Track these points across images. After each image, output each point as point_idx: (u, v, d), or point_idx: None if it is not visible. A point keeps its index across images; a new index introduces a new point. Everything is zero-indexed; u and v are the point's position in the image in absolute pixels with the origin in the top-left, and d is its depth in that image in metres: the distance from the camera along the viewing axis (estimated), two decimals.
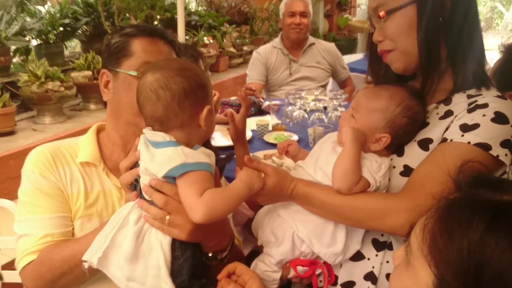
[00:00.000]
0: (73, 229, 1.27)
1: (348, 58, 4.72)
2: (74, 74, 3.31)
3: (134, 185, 1.11)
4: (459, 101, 1.18)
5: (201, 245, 1.11)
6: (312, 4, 3.64)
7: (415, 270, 0.70)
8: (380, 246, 1.19)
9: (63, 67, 3.49)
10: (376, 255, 1.19)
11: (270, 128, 2.56)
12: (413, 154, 1.17)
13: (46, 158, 1.27)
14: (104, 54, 1.32)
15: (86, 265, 1.05)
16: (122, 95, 1.28)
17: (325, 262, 1.20)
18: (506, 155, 1.07)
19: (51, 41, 3.63)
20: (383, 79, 1.32)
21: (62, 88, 3.06)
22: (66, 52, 4.24)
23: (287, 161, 2.10)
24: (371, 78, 1.36)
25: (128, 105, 1.26)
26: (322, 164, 1.18)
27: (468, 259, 0.62)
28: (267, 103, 2.96)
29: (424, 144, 1.17)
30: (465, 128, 1.10)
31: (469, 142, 1.08)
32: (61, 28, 3.73)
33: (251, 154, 2.19)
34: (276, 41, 3.60)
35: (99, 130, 1.39)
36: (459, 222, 0.65)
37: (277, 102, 2.92)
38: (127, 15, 3.80)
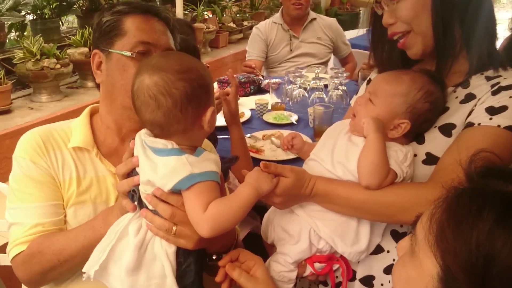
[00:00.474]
0: (65, 216, 1.24)
1: (350, 34, 4.63)
2: (70, 51, 3.24)
3: (132, 194, 1.05)
4: (479, 83, 1.13)
5: (205, 248, 1.08)
6: None
7: (420, 260, 0.68)
8: (400, 237, 1.14)
9: (60, 43, 3.42)
10: (396, 247, 1.17)
11: (269, 107, 2.51)
12: (435, 141, 1.13)
13: (37, 143, 1.23)
14: (95, 33, 1.26)
15: (85, 277, 1.03)
16: (116, 77, 1.22)
17: (341, 256, 1.16)
18: None
19: (46, 16, 3.55)
20: (387, 63, 1.27)
21: (58, 66, 2.99)
22: (63, 28, 4.15)
23: None
24: (374, 62, 1.31)
25: (123, 88, 1.21)
26: (341, 158, 1.12)
27: (476, 251, 0.60)
28: (266, 81, 2.90)
29: (447, 129, 1.13)
30: (492, 111, 1.06)
31: (499, 126, 1.04)
32: (57, 3, 3.64)
33: (250, 134, 2.16)
34: (277, 16, 3.52)
35: (92, 113, 1.34)
36: (468, 213, 0.62)
37: (277, 80, 2.86)
38: None
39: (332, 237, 1.11)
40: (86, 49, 3.26)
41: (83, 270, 1.03)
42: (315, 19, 3.48)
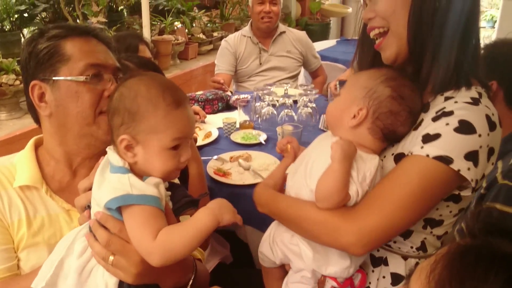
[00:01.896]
0: (18, 261, 1.15)
1: (320, 46, 4.63)
2: None
3: (86, 208, 1.02)
4: (434, 106, 1.09)
5: (158, 284, 1.00)
6: None
7: None
8: (376, 261, 1.16)
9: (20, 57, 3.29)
10: (373, 271, 1.16)
11: (237, 125, 2.45)
12: (387, 168, 1.11)
13: None
14: (29, 63, 1.15)
15: None
16: (69, 105, 1.13)
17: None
18: (469, 169, 0.98)
19: (6, 29, 3.41)
20: (370, 67, 1.22)
21: (18, 82, 2.86)
22: (27, 37, 4.01)
23: (254, 164, 2.02)
24: (357, 66, 1.27)
25: (79, 115, 1.13)
26: (308, 171, 1.13)
27: None
28: (235, 97, 2.84)
29: (398, 159, 1.10)
30: (426, 138, 1.02)
31: (427, 155, 1.00)
32: (18, 15, 3.51)
33: (217, 156, 2.09)
34: (246, 29, 3.47)
35: (37, 145, 1.24)
36: (473, 274, 0.58)
37: (245, 96, 2.81)
38: (88, 1, 3.59)
39: (316, 260, 1.11)
40: None
41: (31, 286, 0.97)
42: (284, 32, 3.44)
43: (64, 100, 1.14)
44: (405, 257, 1.14)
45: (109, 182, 0.93)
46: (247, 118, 2.51)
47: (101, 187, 0.94)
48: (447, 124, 1.01)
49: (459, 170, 0.98)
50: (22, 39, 3.73)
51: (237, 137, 2.32)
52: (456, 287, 0.58)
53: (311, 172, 1.11)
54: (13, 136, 2.70)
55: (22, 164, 1.19)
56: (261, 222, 1.84)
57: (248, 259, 1.88)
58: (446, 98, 1.07)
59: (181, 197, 1.08)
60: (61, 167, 1.20)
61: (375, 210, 1.02)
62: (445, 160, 0.98)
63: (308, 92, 2.48)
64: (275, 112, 2.47)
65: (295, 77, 3.51)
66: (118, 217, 0.93)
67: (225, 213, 0.94)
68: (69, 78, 1.13)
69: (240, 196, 1.85)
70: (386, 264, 1.16)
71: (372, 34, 1.15)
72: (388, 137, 1.12)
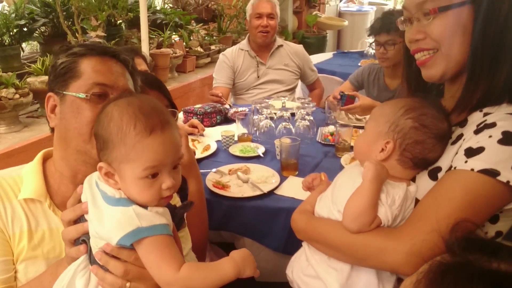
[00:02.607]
0: (16, 272, 1.16)
1: (317, 58, 4.68)
2: (30, 79, 3.13)
3: (80, 243, 0.99)
4: (473, 121, 1.07)
5: None
6: (280, 1, 3.55)
7: None
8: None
9: (20, 71, 3.31)
10: None
11: (236, 138, 2.47)
12: (422, 184, 1.11)
13: None
14: (50, 76, 1.20)
15: None
16: (69, 120, 1.16)
17: None
18: None
19: (6, 43, 3.44)
20: (414, 80, 1.24)
21: (17, 96, 2.88)
22: (27, 50, 4.04)
23: (253, 177, 2.04)
24: (406, 84, 1.28)
25: (76, 131, 1.15)
26: (336, 196, 1.16)
27: None
28: (233, 110, 2.87)
29: (433, 173, 1.10)
30: (469, 152, 1.01)
31: (472, 169, 0.98)
32: (17, 29, 3.55)
33: (216, 168, 2.11)
34: (243, 43, 3.51)
35: (45, 158, 1.27)
36: None
37: (243, 109, 2.84)
38: (87, 15, 3.63)
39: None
40: (47, 77, 3.17)
41: None
42: (281, 45, 3.49)
43: (67, 114, 1.17)
44: None
45: (112, 216, 0.92)
46: (245, 131, 2.53)
47: (103, 221, 0.92)
48: (490, 136, 1.00)
49: (508, 182, 0.96)
50: (21, 53, 3.77)
51: (235, 150, 2.34)
52: None
53: (338, 194, 1.14)
54: (12, 150, 2.72)
55: (28, 177, 1.21)
56: (260, 234, 1.87)
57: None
58: (485, 114, 1.07)
59: (172, 212, 1.07)
60: (65, 182, 1.22)
61: (422, 228, 0.99)
62: (491, 173, 0.96)
63: (306, 105, 2.51)
64: (273, 125, 2.49)
65: (292, 89, 3.54)
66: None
67: (247, 267, 0.94)
68: (73, 94, 1.15)
69: (238, 208, 1.87)
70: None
71: (418, 56, 1.14)
72: (420, 164, 1.13)
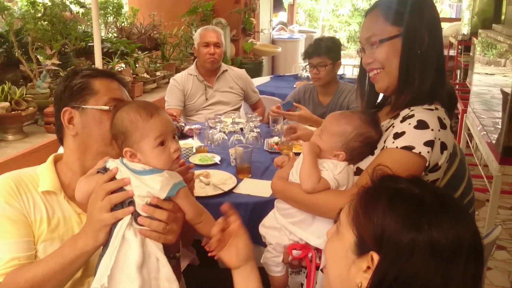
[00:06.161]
0: (36, 252, 1.42)
1: (256, 81, 5.10)
2: None
3: (127, 204, 1.26)
4: (401, 114, 1.50)
5: (169, 248, 1.33)
6: None
7: (343, 235, 1.01)
8: None
9: None
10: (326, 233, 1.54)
11: (194, 150, 2.81)
12: (364, 159, 1.55)
13: (10, 186, 1.42)
14: (64, 94, 1.51)
15: None
16: (93, 128, 1.48)
17: (316, 248, 1.52)
18: (428, 152, 1.39)
19: None
20: (366, 95, 1.69)
21: None
22: None
23: (214, 180, 2.37)
24: (359, 99, 1.74)
25: (99, 136, 1.48)
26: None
27: (376, 224, 0.93)
28: (188, 127, 3.20)
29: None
30: (396, 135, 1.44)
31: (397, 147, 1.41)
32: None
33: None
34: (192, 68, 3.86)
35: (55, 160, 1.56)
36: (371, 201, 0.98)
37: (197, 126, 3.18)
38: (41, 44, 3.82)
39: (302, 234, 1.51)
40: (7, 104, 3.33)
41: (93, 287, 1.21)
42: (226, 70, 3.88)
43: (89, 123, 1.49)
44: None
45: (155, 180, 1.24)
46: (201, 144, 2.88)
47: (151, 185, 1.24)
48: (410, 124, 1.41)
49: (420, 152, 1.36)
50: None
51: (195, 159, 2.67)
52: (364, 209, 0.97)
53: (297, 168, 1.56)
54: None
55: (44, 174, 1.49)
56: None
57: (212, 260, 2.20)
58: (411, 110, 1.47)
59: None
60: (76, 178, 1.48)
61: (360, 184, 1.31)
62: (409, 148, 1.37)
63: (253, 119, 2.91)
64: (226, 137, 2.85)
65: (237, 110, 3.92)
66: None
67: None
68: (96, 107, 1.48)
69: (204, 206, 2.18)
70: None
71: (371, 74, 1.56)
72: (361, 158, 1.56)
